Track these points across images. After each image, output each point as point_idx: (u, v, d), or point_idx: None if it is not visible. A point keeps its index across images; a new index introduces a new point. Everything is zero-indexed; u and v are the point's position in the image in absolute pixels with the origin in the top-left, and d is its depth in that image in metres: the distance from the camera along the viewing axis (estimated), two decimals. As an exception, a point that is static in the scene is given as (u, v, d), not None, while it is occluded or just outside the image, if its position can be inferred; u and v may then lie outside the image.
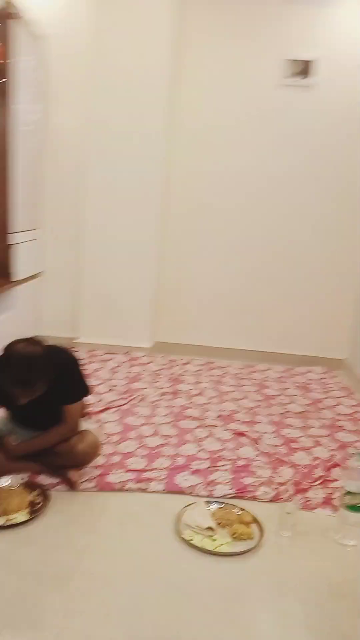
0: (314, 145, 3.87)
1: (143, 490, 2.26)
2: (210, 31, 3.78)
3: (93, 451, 2.30)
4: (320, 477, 2.44)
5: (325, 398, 3.46)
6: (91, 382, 3.32)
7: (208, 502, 2.15)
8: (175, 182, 3.99)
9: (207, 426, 2.91)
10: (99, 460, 2.41)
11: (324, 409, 3.29)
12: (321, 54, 3.71)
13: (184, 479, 2.34)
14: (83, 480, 2.26)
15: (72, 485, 2.21)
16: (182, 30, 3.74)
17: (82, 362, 2.26)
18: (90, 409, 2.94)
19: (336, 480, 2.41)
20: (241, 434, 2.83)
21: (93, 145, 3.81)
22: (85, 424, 2.34)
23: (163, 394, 3.35)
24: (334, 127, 3.83)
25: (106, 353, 3.98)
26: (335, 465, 2.56)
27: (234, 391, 3.48)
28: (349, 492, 2.00)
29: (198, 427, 2.90)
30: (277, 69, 3.76)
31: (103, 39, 3.66)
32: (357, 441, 2.85)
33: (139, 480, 2.31)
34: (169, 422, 2.93)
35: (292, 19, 3.70)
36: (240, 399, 3.35)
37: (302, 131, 3.86)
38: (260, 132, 3.88)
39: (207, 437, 2.78)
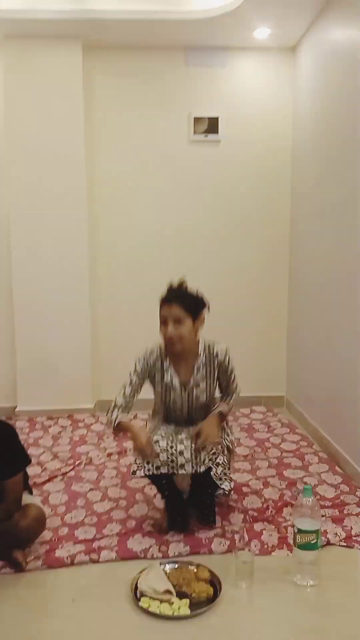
0: (225, 195, 4.07)
1: (94, 561, 2.17)
2: (119, 95, 3.96)
3: (38, 526, 2.20)
4: (272, 518, 2.44)
5: (270, 436, 3.50)
6: (33, 451, 3.23)
7: (162, 564, 2.08)
8: (100, 240, 4.06)
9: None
10: (46, 535, 2.30)
11: (270, 448, 3.32)
12: (224, 111, 3.96)
13: (137, 542, 2.27)
14: (29, 559, 2.14)
15: (18, 567, 2.08)
16: (92, 96, 3.90)
17: (22, 430, 2.18)
18: (33, 481, 2.83)
19: (288, 520, 2.42)
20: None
21: (17, 213, 3.84)
22: (27, 498, 2.24)
23: (109, 454, 3.28)
24: (239, 179, 4.06)
25: (48, 419, 3.87)
26: (286, 504, 2.57)
27: (180, 442, 3.45)
28: (300, 530, 2.00)
29: (149, 483, 2.83)
30: (185, 126, 3.97)
31: (14, 115, 3.76)
32: (304, 476, 2.88)
33: (89, 551, 2.21)
34: (117, 484, 2.86)
35: (196, 79, 3.96)
36: (188, 449, 3.32)
37: (212, 184, 4.06)
38: (175, 187, 4.05)
39: (157, 494, 2.72)
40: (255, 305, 4.19)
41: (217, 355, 2.28)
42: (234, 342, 4.15)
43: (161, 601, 1.88)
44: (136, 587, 1.95)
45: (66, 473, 3.01)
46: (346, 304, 2.99)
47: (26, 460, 2.19)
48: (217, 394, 2.44)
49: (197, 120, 3.95)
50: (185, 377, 2.30)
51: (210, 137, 3.97)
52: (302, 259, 3.84)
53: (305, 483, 2.74)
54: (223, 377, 2.36)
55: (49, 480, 2.91)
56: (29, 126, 3.78)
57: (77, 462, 3.14)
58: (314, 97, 3.52)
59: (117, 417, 2.24)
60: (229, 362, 2.30)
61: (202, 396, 2.32)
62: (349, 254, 2.94)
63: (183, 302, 2.16)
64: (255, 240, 4.13)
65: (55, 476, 2.96)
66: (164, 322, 2.18)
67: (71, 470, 3.05)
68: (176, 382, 2.28)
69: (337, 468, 2.98)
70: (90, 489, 2.80)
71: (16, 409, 3.96)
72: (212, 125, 3.96)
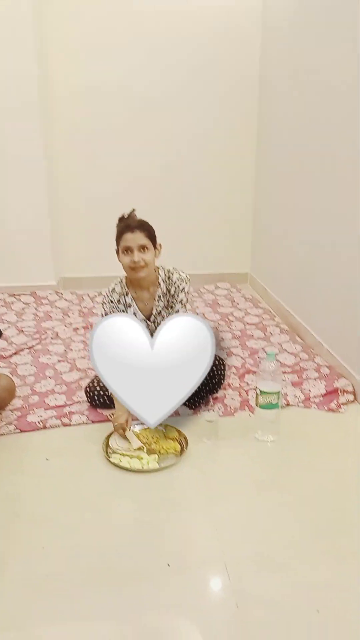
0: (191, 55, 3.73)
1: (66, 424, 2.26)
2: None
3: (8, 395, 2.24)
4: (235, 384, 2.55)
5: (234, 311, 3.57)
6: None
7: (132, 425, 2.18)
8: (52, 104, 3.72)
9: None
10: (16, 403, 2.36)
11: (233, 321, 3.40)
12: None
13: (106, 410, 2.35)
14: (1, 425, 2.20)
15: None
16: None
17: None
18: (0, 355, 2.85)
19: (250, 384, 2.54)
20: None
21: None
22: (-5, 370, 2.25)
23: (76, 329, 3.29)
24: (205, 34, 3.69)
25: (10, 295, 3.81)
26: (248, 371, 2.68)
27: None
28: (262, 392, 2.10)
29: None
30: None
31: None
32: (266, 346, 2.99)
33: (60, 416, 2.29)
34: (85, 356, 2.90)
35: None
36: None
37: (177, 41, 3.68)
38: (136, 42, 3.66)
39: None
40: (222, 183, 4.04)
41: (174, 283, 2.26)
42: (200, 219, 4.13)
43: (131, 457, 2.00)
44: (107, 446, 2.05)
45: (33, 347, 3.02)
46: (312, 182, 2.91)
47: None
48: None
49: None
50: (148, 307, 2.31)
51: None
52: (270, 129, 3.65)
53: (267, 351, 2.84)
54: (172, 305, 2.30)
55: (15, 353, 2.92)
56: None
57: (43, 337, 3.15)
58: None
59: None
60: (181, 291, 2.25)
61: None
62: (318, 123, 2.80)
63: (144, 229, 2.16)
64: (222, 106, 3.87)
65: (22, 349, 2.98)
66: (127, 249, 2.16)
67: (38, 344, 3.06)
68: (140, 315, 2.30)
69: (297, 338, 3.10)
70: (59, 360, 2.84)
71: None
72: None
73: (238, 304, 3.72)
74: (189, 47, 3.71)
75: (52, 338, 3.15)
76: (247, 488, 1.90)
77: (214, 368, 2.28)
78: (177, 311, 2.26)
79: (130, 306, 2.31)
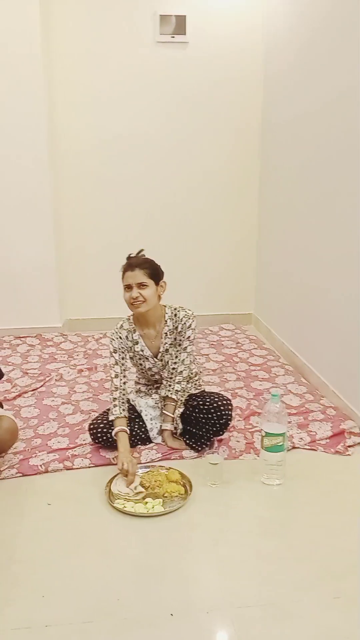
0: (193, 102, 3.87)
1: (68, 468, 2.23)
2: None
3: (11, 437, 2.22)
4: (240, 426, 2.52)
5: (239, 352, 3.57)
6: (2, 369, 3.20)
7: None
8: (59, 151, 3.85)
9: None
10: (19, 446, 2.34)
11: (238, 362, 3.39)
12: (191, 9, 3.68)
13: (109, 451, 2.33)
14: (3, 468, 2.18)
15: (-7, 476, 2.13)
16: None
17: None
18: (3, 397, 2.84)
19: (255, 426, 2.51)
20: (162, 398, 2.85)
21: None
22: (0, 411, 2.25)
23: (80, 370, 3.29)
24: (208, 84, 3.85)
25: (16, 338, 3.84)
26: (253, 413, 2.66)
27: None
28: (267, 434, 2.08)
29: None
30: (150, 26, 3.69)
31: None
32: (271, 387, 2.97)
33: (63, 459, 2.26)
34: (89, 398, 2.90)
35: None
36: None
37: (179, 89, 3.84)
38: (140, 92, 3.81)
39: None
40: (225, 225, 4.12)
41: (181, 320, 2.32)
42: (204, 261, 4.18)
43: (135, 502, 1.96)
44: (110, 491, 2.02)
45: (37, 389, 3.02)
46: (314, 223, 2.96)
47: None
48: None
49: (163, 18, 3.66)
50: (155, 345, 2.36)
51: (178, 38, 3.71)
52: (273, 171, 3.74)
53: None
54: (179, 342, 2.35)
55: (19, 395, 2.92)
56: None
57: (47, 378, 3.15)
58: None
59: (114, 418, 2.25)
60: (188, 327, 2.32)
61: (172, 361, 2.38)
62: (319, 165, 2.87)
63: (144, 267, 2.24)
64: (225, 150, 3.97)
65: (26, 392, 2.97)
66: (128, 287, 2.25)
67: (42, 386, 3.06)
68: (147, 352, 2.36)
69: (302, 379, 3.08)
70: (62, 403, 2.83)
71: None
72: (179, 25, 3.68)
73: (242, 345, 3.72)
74: (193, 93, 3.85)
75: (56, 380, 3.14)
76: (253, 532, 1.85)
77: (221, 409, 2.26)
78: (185, 348, 2.32)
79: (137, 343, 2.35)
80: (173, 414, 2.34)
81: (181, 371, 2.34)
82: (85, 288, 4.12)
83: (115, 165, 3.92)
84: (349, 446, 2.37)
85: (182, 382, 2.34)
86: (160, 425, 2.37)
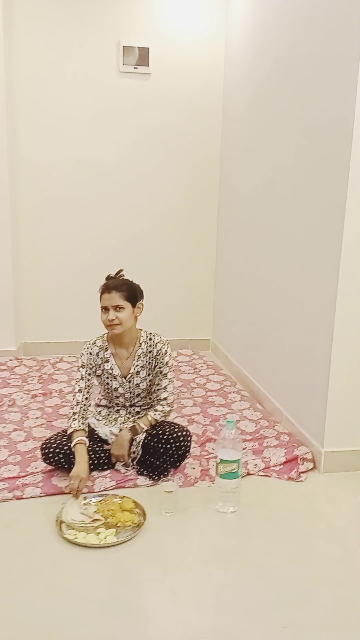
0: (154, 131, 3.95)
1: (18, 498, 2.16)
2: (42, 19, 3.66)
3: None
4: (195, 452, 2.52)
5: (196, 377, 3.58)
6: None
7: (87, 497, 2.11)
8: (20, 175, 3.83)
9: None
10: (-33, 474, 2.25)
11: (195, 387, 3.40)
12: (155, 41, 3.78)
13: (61, 479, 2.27)
14: None
15: None
16: (11, 20, 3.57)
17: None
18: None
19: (211, 453, 2.51)
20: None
21: None
22: None
23: (34, 396, 3.22)
24: (170, 114, 3.94)
25: (-32, 362, 3.73)
26: (209, 439, 2.66)
27: (107, 383, 3.45)
28: (222, 461, 2.08)
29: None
30: (114, 55, 3.76)
31: None
32: (227, 413, 2.98)
33: (13, 489, 2.19)
34: (42, 424, 2.83)
35: (127, 4, 3.73)
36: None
37: (141, 118, 3.91)
38: (102, 120, 3.87)
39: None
40: (184, 251, 4.18)
41: (156, 345, 2.36)
42: (164, 288, 4.21)
43: (88, 532, 1.92)
44: (61, 522, 1.97)
45: (-12, 415, 2.93)
46: (269, 252, 3.04)
47: None
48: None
49: (126, 49, 3.74)
50: (126, 366, 2.38)
51: (141, 69, 3.79)
52: (230, 202, 3.84)
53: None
54: (157, 372, 2.38)
55: (-31, 422, 2.83)
56: None
57: (-1, 404, 3.07)
58: (247, 28, 3.42)
59: (73, 430, 2.24)
60: (165, 353, 2.37)
61: (142, 384, 2.40)
62: (275, 197, 2.96)
63: (121, 289, 2.28)
64: (184, 178, 4.06)
65: (-23, 418, 2.88)
66: (105, 309, 2.29)
67: (-7, 412, 2.97)
68: (117, 371, 2.37)
69: (257, 405, 3.11)
70: (14, 429, 2.75)
71: None
72: (142, 57, 3.77)
73: (200, 370, 3.73)
74: (154, 123, 3.93)
75: (8, 405, 3.06)
76: (207, 561, 1.83)
77: (181, 440, 2.26)
78: (165, 375, 2.37)
79: (108, 361, 2.36)
80: (144, 426, 2.33)
81: (165, 397, 2.37)
82: (41, 311, 4.06)
83: (76, 190, 3.94)
84: (302, 472, 2.40)
85: (165, 407, 2.37)
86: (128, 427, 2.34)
